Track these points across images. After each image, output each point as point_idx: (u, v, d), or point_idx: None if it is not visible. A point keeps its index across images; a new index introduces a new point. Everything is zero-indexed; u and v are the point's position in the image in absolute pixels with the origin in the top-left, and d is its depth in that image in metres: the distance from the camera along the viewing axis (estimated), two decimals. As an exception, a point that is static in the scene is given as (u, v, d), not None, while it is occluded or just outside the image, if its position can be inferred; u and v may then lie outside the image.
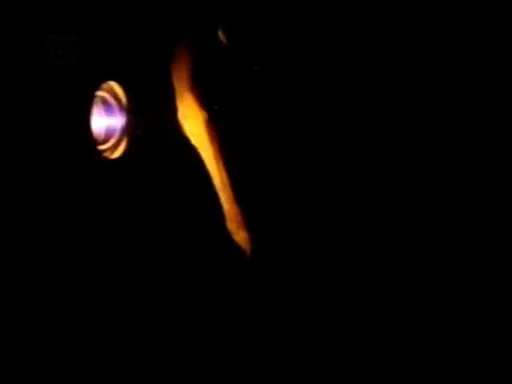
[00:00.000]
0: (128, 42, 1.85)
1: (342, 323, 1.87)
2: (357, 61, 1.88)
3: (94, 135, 1.82)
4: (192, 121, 1.86)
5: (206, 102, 1.84)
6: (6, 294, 1.71)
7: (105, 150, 1.86)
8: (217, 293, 1.87)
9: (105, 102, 1.86)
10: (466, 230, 1.89)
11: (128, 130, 1.85)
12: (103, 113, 1.86)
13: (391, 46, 1.88)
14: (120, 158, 1.85)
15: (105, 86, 1.84)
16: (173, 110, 1.85)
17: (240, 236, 1.84)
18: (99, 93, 1.84)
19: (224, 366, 1.85)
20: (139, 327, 1.85)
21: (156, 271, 1.87)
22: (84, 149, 1.77)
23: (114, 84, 1.84)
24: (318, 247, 1.88)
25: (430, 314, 1.88)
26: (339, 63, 1.88)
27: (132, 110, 1.85)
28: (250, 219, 1.83)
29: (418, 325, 1.87)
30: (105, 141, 1.87)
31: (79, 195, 1.80)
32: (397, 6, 1.87)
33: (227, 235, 1.83)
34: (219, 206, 1.84)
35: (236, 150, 1.86)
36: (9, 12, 1.68)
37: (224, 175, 1.85)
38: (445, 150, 1.89)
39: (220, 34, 1.84)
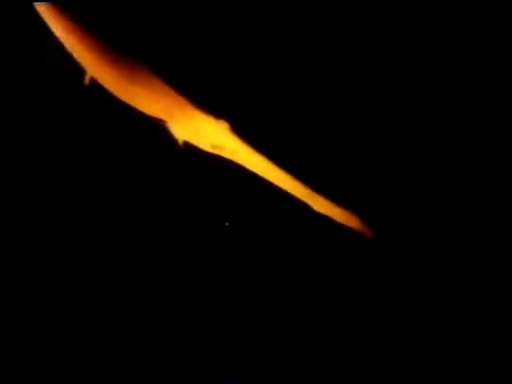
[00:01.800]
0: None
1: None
2: (352, 62, 1.89)
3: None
4: (223, 139, 1.69)
5: (219, 111, 1.72)
6: (5, 294, 1.71)
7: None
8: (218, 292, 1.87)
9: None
10: (464, 231, 1.89)
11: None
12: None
13: (385, 46, 1.90)
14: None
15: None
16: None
17: (366, 230, 1.75)
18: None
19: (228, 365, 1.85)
20: (139, 327, 1.85)
21: (157, 271, 1.87)
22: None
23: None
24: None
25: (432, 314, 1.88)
26: (335, 65, 1.90)
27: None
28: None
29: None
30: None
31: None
32: (393, 7, 1.88)
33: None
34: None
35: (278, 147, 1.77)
36: (9, 12, 1.69)
37: (296, 182, 1.70)
38: (443, 149, 1.90)
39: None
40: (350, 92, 1.88)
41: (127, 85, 1.69)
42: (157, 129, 1.73)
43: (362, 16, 1.87)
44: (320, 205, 1.72)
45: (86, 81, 1.72)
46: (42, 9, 1.66)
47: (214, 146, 1.70)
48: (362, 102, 1.89)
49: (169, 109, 1.70)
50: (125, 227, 1.85)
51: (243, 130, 1.71)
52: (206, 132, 1.70)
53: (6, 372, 1.70)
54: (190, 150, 1.72)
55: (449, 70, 1.89)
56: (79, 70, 1.75)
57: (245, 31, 1.86)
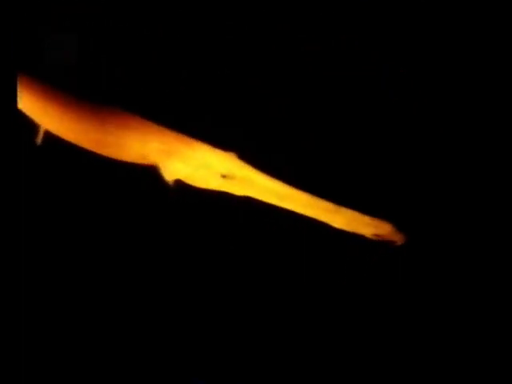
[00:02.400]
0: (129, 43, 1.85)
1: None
2: (356, 62, 1.89)
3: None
4: (233, 166, 1.61)
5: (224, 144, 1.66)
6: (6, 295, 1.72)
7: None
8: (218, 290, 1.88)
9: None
10: (464, 232, 1.89)
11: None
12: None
13: (388, 46, 1.89)
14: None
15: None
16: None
17: (397, 236, 1.64)
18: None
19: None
20: (139, 327, 1.85)
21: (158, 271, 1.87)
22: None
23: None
24: None
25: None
26: (338, 65, 1.89)
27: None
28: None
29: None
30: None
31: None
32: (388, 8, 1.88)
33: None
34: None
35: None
36: (9, 12, 1.68)
37: (316, 200, 1.61)
38: (441, 149, 1.89)
39: None
40: (351, 92, 1.88)
41: (114, 130, 1.65)
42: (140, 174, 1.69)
43: (365, 16, 1.87)
44: (345, 218, 1.62)
45: (39, 139, 1.69)
46: None
47: (223, 176, 1.62)
48: (364, 103, 1.88)
49: (168, 144, 1.64)
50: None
51: (251, 157, 1.64)
52: (213, 162, 1.62)
53: (6, 372, 1.71)
54: (185, 189, 1.66)
55: (452, 70, 1.89)
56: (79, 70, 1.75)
57: (242, 44, 1.86)
